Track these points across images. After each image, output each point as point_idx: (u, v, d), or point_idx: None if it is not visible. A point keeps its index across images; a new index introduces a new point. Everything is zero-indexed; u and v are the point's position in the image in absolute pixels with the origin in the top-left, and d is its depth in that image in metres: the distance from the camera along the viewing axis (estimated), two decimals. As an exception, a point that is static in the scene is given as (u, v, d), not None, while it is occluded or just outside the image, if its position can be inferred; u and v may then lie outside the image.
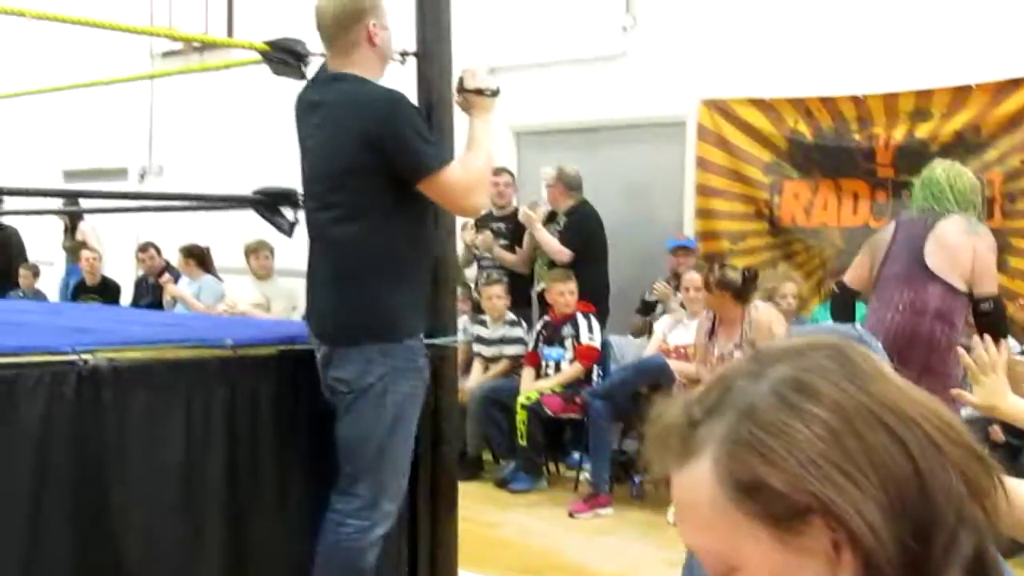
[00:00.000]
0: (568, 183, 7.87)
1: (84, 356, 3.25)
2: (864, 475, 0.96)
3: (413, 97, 4.22)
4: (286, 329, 4.61)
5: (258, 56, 4.46)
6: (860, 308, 5.54)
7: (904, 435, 0.98)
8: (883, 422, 0.99)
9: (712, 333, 6.55)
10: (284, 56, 4.31)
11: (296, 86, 4.32)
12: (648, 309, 7.78)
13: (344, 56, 3.75)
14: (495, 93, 3.85)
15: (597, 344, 7.27)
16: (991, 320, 4.81)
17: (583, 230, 7.75)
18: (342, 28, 3.72)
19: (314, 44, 4.17)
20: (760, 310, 6.43)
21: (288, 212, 4.43)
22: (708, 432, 1.02)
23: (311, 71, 4.14)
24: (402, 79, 4.09)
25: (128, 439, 3.31)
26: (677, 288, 7.52)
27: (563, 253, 7.62)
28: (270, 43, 4.33)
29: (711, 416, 1.03)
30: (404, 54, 4.16)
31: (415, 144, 3.53)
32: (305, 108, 3.84)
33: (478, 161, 3.69)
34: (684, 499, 1.05)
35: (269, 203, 4.33)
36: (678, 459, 1.04)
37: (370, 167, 3.53)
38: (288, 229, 4.40)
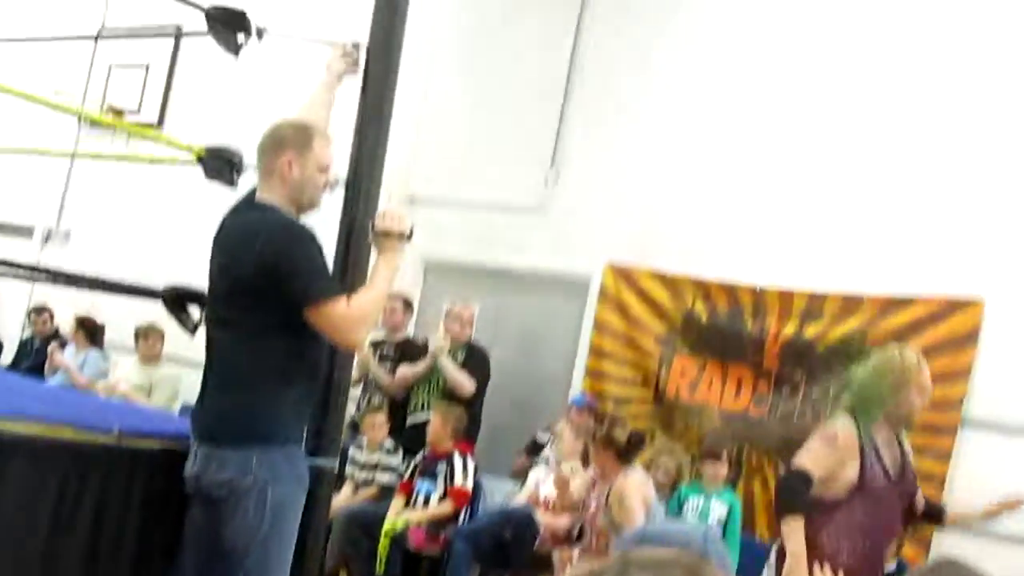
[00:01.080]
0: (473, 321, 8.06)
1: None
2: None
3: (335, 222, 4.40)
4: (173, 424, 4.65)
5: (191, 157, 4.60)
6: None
7: None
8: None
9: (594, 485, 6.72)
10: (219, 163, 4.47)
11: (219, 187, 4.48)
12: (536, 449, 7.88)
13: (263, 182, 3.94)
14: (402, 237, 3.95)
15: (469, 487, 7.36)
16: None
17: (483, 367, 7.92)
18: (264, 154, 3.92)
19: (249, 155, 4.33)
20: (627, 478, 6.56)
21: (195, 311, 4.53)
22: None
23: (245, 181, 4.29)
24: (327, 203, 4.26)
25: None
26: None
27: (469, 386, 7.75)
28: (208, 148, 4.49)
29: None
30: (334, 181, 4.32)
31: (303, 273, 3.66)
32: (218, 231, 3.98)
33: (367, 299, 3.80)
34: None
35: (178, 299, 4.42)
36: None
37: (260, 289, 3.67)
38: (192, 328, 4.49)
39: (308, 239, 3.75)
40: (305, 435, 3.99)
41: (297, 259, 3.67)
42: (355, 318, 3.71)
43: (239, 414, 3.74)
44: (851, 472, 4.64)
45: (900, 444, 4.84)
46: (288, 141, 3.87)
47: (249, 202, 3.96)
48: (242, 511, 3.69)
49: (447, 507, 7.28)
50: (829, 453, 4.65)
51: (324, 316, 3.66)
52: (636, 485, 6.51)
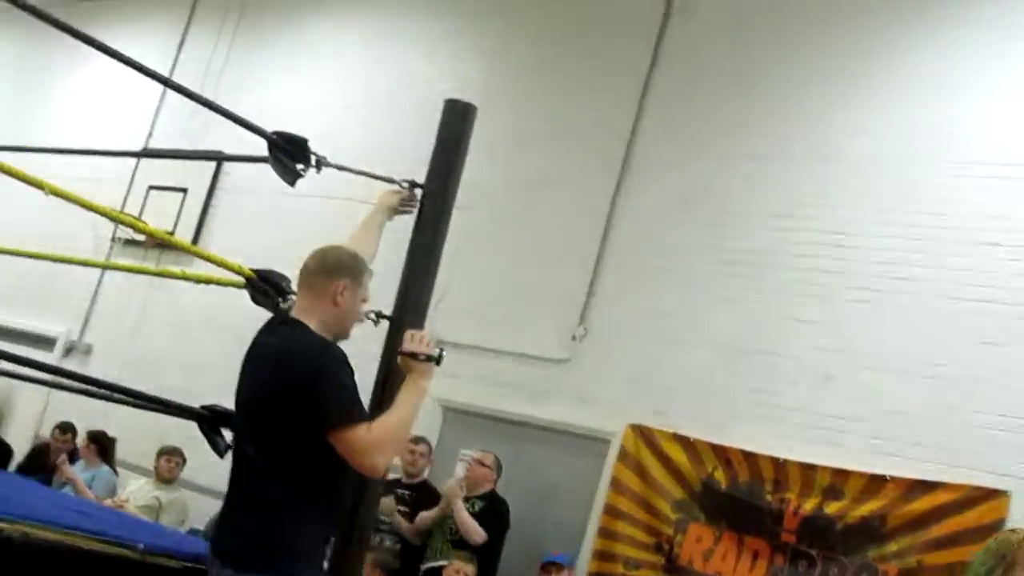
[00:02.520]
0: (496, 470, 8.00)
1: (1, 524, 3.25)
2: None
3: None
4: (194, 545, 4.59)
5: (239, 279, 4.61)
6: None
7: None
8: None
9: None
10: (266, 287, 4.48)
11: (243, 311, 4.49)
12: None
13: (306, 302, 3.92)
14: (430, 359, 3.87)
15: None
16: None
17: (502, 517, 7.84)
18: (314, 275, 3.92)
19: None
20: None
21: (227, 434, 4.50)
22: None
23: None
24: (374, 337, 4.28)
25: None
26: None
27: (480, 534, 7.64)
28: (256, 271, 4.50)
29: None
30: (380, 316, 4.35)
31: (328, 395, 3.61)
32: (251, 347, 3.96)
33: (390, 423, 3.71)
34: None
35: (213, 420, 4.39)
36: None
37: (289, 408, 3.63)
38: (223, 450, 4.45)
39: (340, 361, 3.72)
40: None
41: (326, 380, 3.63)
42: (375, 443, 3.61)
43: (262, 537, 3.67)
44: None
45: None
46: (345, 268, 3.90)
47: (283, 321, 3.96)
48: None
49: None
50: None
51: (346, 440, 3.59)
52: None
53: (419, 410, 3.84)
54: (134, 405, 4.58)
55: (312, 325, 3.83)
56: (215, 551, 3.82)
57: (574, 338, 8.70)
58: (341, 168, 4.75)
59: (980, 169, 7.48)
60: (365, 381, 4.11)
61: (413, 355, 3.87)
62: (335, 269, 3.91)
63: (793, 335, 7.82)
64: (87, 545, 3.55)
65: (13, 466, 10.26)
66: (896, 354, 7.39)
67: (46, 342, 11.82)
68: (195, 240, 11.10)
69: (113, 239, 11.32)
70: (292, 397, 3.62)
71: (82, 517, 4.06)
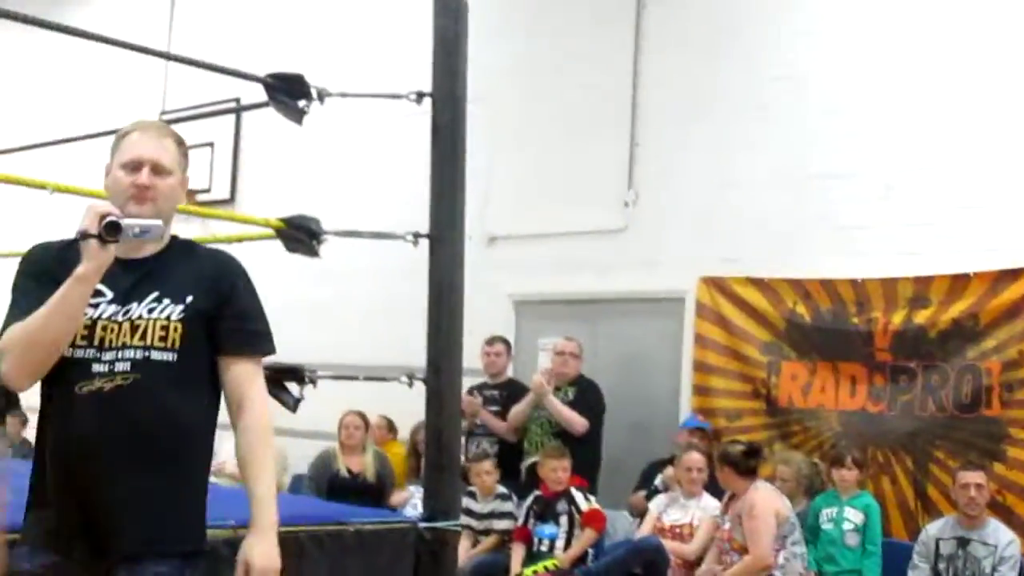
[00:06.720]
0: (580, 355, 7.90)
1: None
2: None
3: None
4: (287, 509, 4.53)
5: (269, 231, 4.52)
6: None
7: None
8: None
9: (726, 509, 6.58)
10: (298, 234, 4.38)
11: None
12: (654, 494, 7.59)
13: None
14: (86, 237, 2.70)
15: (599, 507, 7.16)
16: None
17: (597, 401, 7.76)
18: None
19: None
20: (756, 491, 6.41)
21: (294, 388, 4.43)
22: None
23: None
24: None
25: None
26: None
27: (581, 422, 7.57)
28: (286, 220, 4.40)
29: None
30: (417, 236, 4.24)
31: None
32: None
33: (18, 327, 2.82)
34: None
35: (274, 378, 4.30)
36: None
37: None
38: (293, 406, 4.39)
39: (25, 265, 2.99)
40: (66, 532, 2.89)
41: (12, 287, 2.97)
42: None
43: None
44: None
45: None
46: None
47: None
48: None
49: (591, 535, 7.05)
50: None
51: None
52: (765, 498, 6.37)
53: (72, 304, 2.77)
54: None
55: None
56: None
57: (626, 204, 8.51)
58: (344, 95, 4.61)
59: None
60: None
61: (83, 235, 2.77)
62: None
63: (845, 152, 7.57)
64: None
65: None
66: (956, 151, 7.13)
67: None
68: (232, 191, 11.03)
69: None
70: None
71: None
